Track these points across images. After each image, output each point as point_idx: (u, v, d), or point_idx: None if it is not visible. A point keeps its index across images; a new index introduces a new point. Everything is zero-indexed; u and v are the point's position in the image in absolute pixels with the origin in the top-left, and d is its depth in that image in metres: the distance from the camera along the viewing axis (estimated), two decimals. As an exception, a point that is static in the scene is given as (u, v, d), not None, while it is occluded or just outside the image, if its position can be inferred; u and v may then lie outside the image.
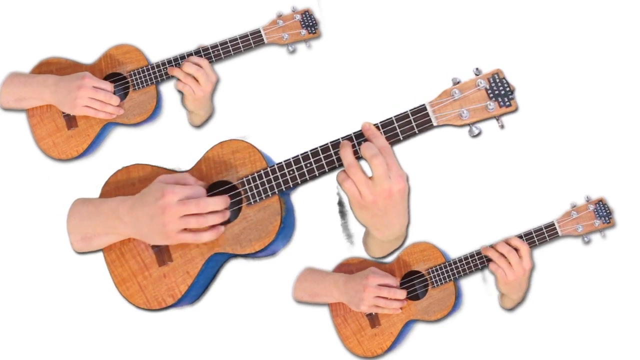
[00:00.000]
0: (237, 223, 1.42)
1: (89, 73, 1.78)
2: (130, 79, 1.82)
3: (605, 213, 1.72)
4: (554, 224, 1.73)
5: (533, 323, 1.79)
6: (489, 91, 1.31)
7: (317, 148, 1.38)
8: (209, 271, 1.46)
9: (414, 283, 1.82)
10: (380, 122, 1.35)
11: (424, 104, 1.33)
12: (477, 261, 1.74)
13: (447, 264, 1.79)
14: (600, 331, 1.76)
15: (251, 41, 1.81)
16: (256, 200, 1.42)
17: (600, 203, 1.73)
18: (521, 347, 1.79)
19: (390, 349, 1.82)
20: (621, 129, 1.85)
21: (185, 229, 1.38)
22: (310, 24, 1.83)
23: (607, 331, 1.76)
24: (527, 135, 1.80)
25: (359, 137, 1.36)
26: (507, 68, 1.35)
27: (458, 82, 1.33)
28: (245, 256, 1.43)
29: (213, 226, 1.40)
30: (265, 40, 1.82)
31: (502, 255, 1.69)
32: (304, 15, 1.83)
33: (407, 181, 1.31)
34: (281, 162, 1.41)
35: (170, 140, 1.85)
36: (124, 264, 1.46)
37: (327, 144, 1.38)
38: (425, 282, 1.81)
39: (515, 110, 1.30)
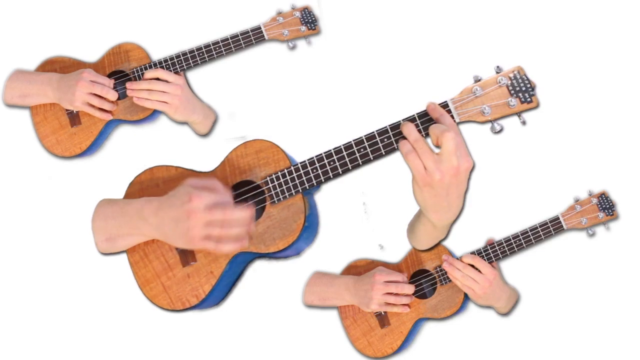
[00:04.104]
0: (261, 222, 1.49)
1: (89, 69, 1.86)
2: (133, 76, 1.90)
3: (608, 205, 1.85)
4: (558, 218, 1.85)
5: (542, 319, 1.90)
6: (510, 88, 1.40)
7: (340, 146, 1.46)
8: (233, 271, 1.53)
9: (422, 282, 1.92)
10: (403, 119, 1.43)
11: (446, 101, 1.42)
12: (484, 257, 1.85)
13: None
14: (609, 324, 1.87)
15: (252, 37, 1.89)
16: (280, 199, 1.50)
17: (603, 196, 1.85)
18: (530, 343, 1.90)
19: (400, 348, 1.91)
20: (620, 127, 1.97)
21: (208, 236, 1.42)
22: (310, 20, 1.92)
23: (615, 325, 1.87)
24: (528, 132, 1.89)
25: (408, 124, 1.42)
26: (506, 64, 1.45)
27: (479, 80, 1.42)
28: (270, 255, 1.50)
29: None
30: (266, 37, 1.90)
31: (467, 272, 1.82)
32: (303, 12, 1.92)
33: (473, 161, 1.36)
34: (304, 161, 1.49)
35: (173, 136, 1.93)
36: (147, 264, 1.52)
37: (350, 142, 1.45)
38: (434, 280, 1.90)
39: (537, 106, 1.40)
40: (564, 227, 1.84)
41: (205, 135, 1.95)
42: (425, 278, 1.92)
